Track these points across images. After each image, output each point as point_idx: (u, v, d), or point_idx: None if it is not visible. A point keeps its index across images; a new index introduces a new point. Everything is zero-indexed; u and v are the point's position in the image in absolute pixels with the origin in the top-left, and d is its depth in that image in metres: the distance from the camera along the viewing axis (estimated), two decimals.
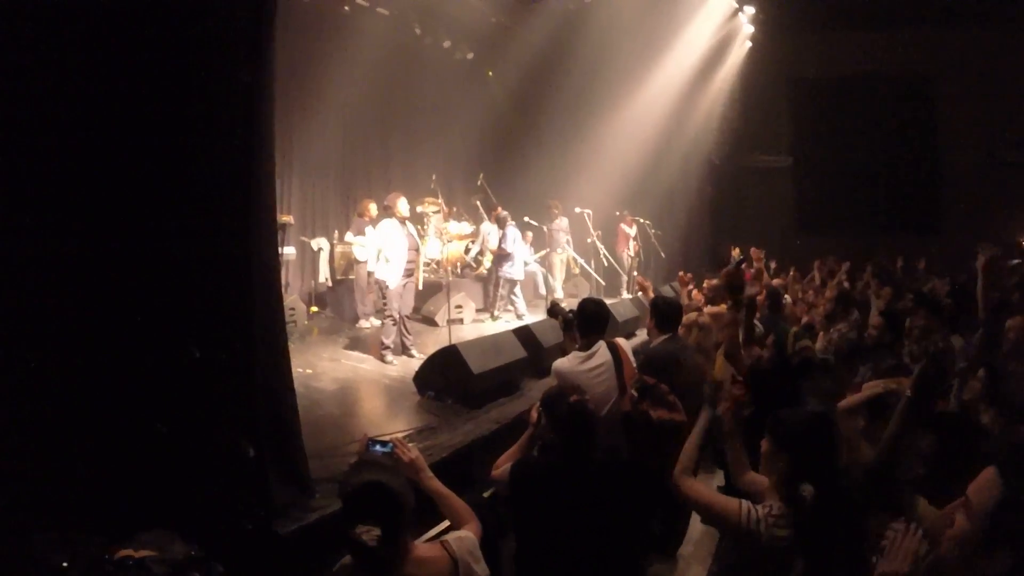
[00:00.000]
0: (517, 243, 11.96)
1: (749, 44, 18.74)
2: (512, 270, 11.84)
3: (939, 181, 20.63)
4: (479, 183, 13.86)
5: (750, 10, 16.86)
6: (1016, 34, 18.94)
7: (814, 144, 21.43)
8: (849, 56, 20.66)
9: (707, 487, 3.51)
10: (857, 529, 2.70)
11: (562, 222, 13.56)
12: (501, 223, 12.15)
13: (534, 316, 11.17)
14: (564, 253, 13.56)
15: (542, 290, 13.38)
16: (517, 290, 11.96)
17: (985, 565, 1.72)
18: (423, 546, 2.67)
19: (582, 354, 4.85)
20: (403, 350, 9.07)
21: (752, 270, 9.51)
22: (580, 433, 3.53)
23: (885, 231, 20.06)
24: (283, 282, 7.86)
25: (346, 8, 11.62)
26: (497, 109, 13.97)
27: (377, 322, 10.20)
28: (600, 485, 3.48)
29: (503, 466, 3.68)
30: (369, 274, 9.58)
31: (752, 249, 9.65)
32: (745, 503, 2.94)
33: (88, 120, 3.71)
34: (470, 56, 14.08)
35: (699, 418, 3.50)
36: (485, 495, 4.26)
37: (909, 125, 20.79)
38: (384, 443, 3.09)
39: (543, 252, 13.52)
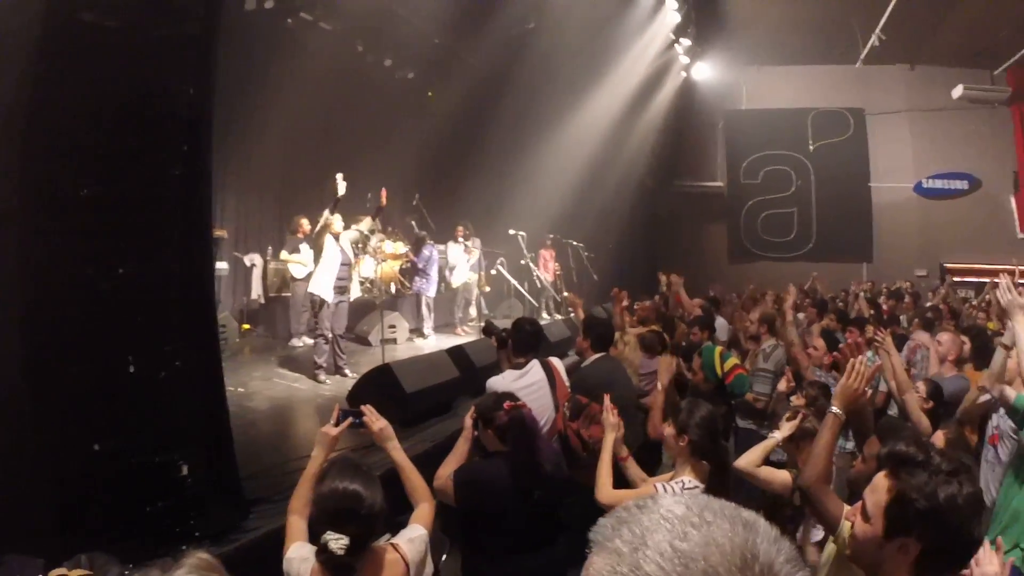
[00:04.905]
0: (432, 262, 12.32)
1: (684, 75, 19.25)
2: (425, 286, 12.18)
3: (869, 209, 21.56)
4: (415, 203, 13.86)
5: (686, 42, 17.36)
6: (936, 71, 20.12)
7: (747, 171, 22.13)
8: (783, 89, 21.57)
9: (625, 491, 3.69)
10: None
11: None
12: (419, 243, 12.44)
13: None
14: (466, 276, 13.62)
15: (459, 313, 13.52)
16: (424, 309, 12.26)
17: (889, 554, 1.91)
18: (377, 548, 2.68)
19: (516, 372, 4.90)
20: (336, 370, 9.00)
21: (673, 294, 9.81)
22: (523, 437, 3.63)
23: (817, 257, 20.86)
24: (215, 298, 7.73)
25: (289, 21, 11.51)
26: (437, 130, 13.98)
27: (310, 341, 10.05)
28: (545, 493, 3.56)
29: (444, 476, 3.69)
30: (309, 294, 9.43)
31: (672, 275, 9.93)
32: (659, 484, 3.42)
33: (32, 130, 3.66)
34: (411, 76, 14.10)
35: (606, 441, 3.85)
36: None
37: (841, 156, 21.67)
38: (356, 414, 3.25)
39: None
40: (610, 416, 3.96)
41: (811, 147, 21.86)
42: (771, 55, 20.47)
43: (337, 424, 3.19)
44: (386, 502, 2.62)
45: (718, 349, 7.03)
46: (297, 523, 2.81)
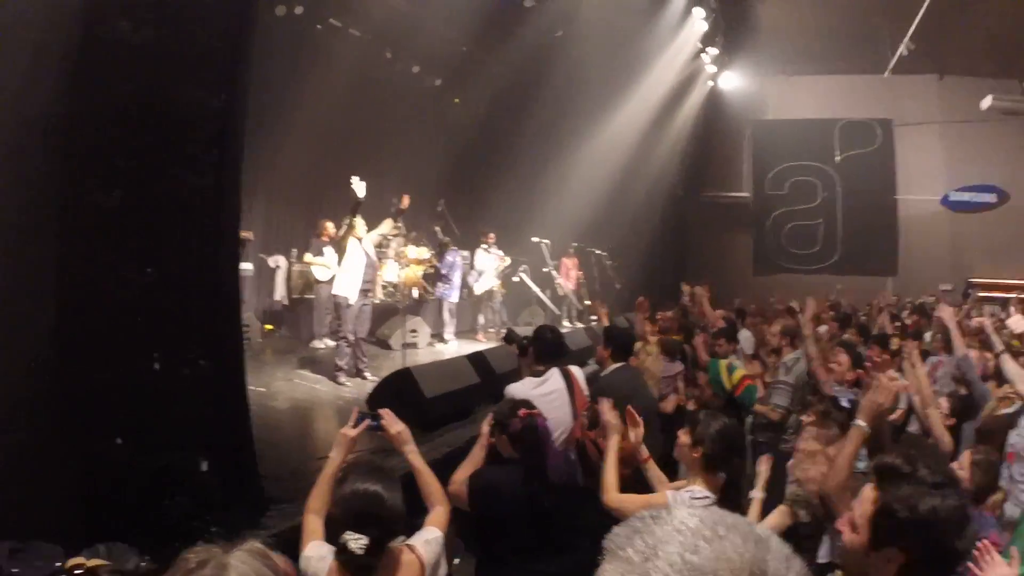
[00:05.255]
0: (455, 268, 12.37)
1: (711, 84, 19.20)
2: (447, 292, 12.22)
3: (895, 222, 21.31)
4: (439, 209, 13.94)
5: (713, 51, 17.32)
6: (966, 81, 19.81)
7: (773, 182, 21.99)
8: (810, 99, 21.40)
9: (632, 495, 3.71)
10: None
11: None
12: (443, 248, 12.53)
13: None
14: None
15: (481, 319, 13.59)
16: (446, 314, 12.34)
17: (876, 563, 1.96)
18: (394, 549, 2.72)
19: (536, 380, 4.92)
20: (357, 372, 9.06)
21: (697, 305, 9.78)
22: (534, 445, 3.66)
23: (841, 269, 20.69)
24: (240, 298, 7.82)
25: (319, 27, 11.65)
26: (463, 137, 14.10)
27: (332, 343, 10.15)
28: (556, 501, 3.58)
29: (459, 481, 3.73)
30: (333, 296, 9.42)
31: (696, 287, 9.90)
32: (670, 492, 3.43)
33: (61, 138, 3.75)
34: (438, 83, 14.21)
35: (608, 443, 3.86)
36: None
37: (868, 168, 21.44)
38: (374, 416, 3.30)
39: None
40: (611, 418, 3.98)
41: (838, 158, 21.64)
42: (798, 65, 20.38)
43: (355, 426, 3.23)
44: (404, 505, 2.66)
45: (724, 362, 7.00)
46: (314, 522, 2.86)
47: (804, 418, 4.17)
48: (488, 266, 13.18)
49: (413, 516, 3.05)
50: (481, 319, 13.49)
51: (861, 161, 21.47)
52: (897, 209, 21.39)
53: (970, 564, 2.52)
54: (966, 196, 20.74)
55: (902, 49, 17.82)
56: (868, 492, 2.04)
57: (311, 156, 12.00)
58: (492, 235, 13.34)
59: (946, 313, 6.06)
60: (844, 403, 5.15)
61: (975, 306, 14.14)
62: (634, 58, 15.13)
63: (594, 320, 14.02)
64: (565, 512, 3.67)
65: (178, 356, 3.93)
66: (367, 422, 3.27)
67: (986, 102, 19.19)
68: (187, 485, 3.88)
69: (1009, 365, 4.52)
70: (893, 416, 4.09)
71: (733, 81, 20.42)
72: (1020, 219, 19.98)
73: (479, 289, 13.27)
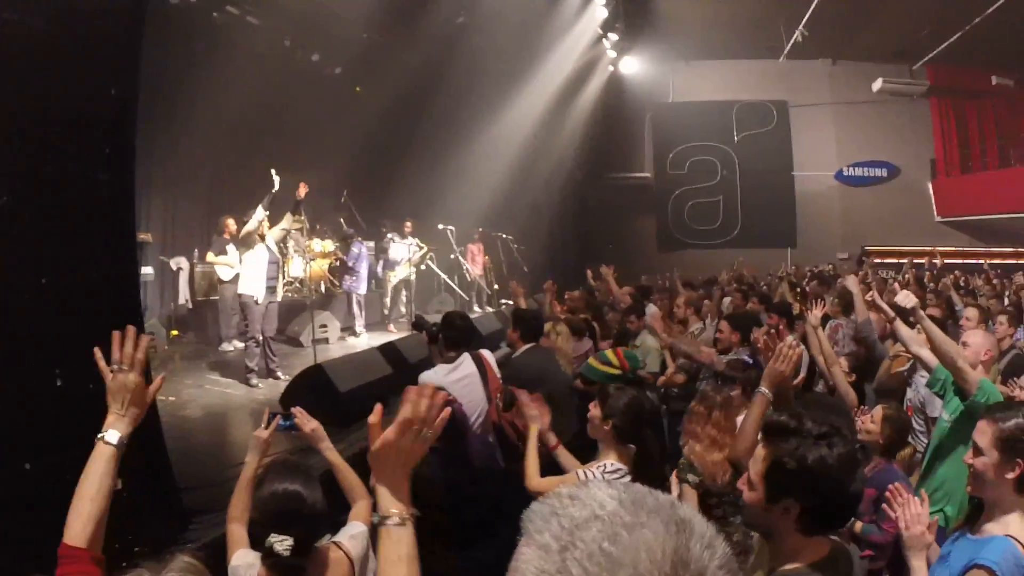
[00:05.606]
0: (361, 260, 12.13)
1: (612, 69, 19.47)
2: (355, 285, 12.00)
3: (793, 197, 22.49)
4: (343, 200, 13.72)
5: (614, 37, 17.57)
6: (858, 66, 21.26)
7: (674, 162, 22.71)
8: (708, 83, 22.28)
9: (551, 478, 3.73)
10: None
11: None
12: (348, 240, 12.29)
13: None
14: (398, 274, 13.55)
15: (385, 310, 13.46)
16: (355, 307, 12.10)
17: (776, 516, 2.07)
18: (321, 548, 2.68)
19: (448, 366, 4.93)
20: (268, 373, 8.86)
21: (604, 284, 9.98)
22: (452, 432, 3.68)
23: (742, 243, 21.61)
24: (142, 305, 7.54)
25: (215, 15, 11.20)
26: (366, 126, 13.76)
27: (241, 345, 9.82)
28: (478, 485, 3.59)
29: None
30: (238, 296, 9.09)
31: (602, 267, 10.09)
32: (580, 471, 3.52)
33: None
34: (339, 71, 13.87)
35: (530, 432, 3.87)
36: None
37: (765, 147, 22.51)
38: (286, 416, 3.26)
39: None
40: (531, 408, 4.01)
41: (736, 138, 22.53)
42: (698, 50, 21.00)
43: (268, 427, 3.19)
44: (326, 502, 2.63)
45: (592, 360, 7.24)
46: (238, 531, 2.79)
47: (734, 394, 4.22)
48: (403, 255, 13.05)
49: (337, 513, 3.03)
50: (396, 309, 13.35)
51: (758, 141, 22.50)
52: (794, 185, 22.58)
53: (885, 506, 2.78)
54: (859, 171, 22.30)
55: (797, 36, 18.80)
56: (759, 450, 2.16)
57: (210, 150, 11.62)
58: (409, 224, 13.20)
59: (850, 281, 6.53)
60: (748, 359, 5.38)
61: (869, 272, 14.87)
62: (535, 44, 15.20)
63: (504, 304, 14.13)
64: (489, 496, 3.70)
65: (80, 370, 3.77)
66: (278, 421, 3.22)
67: (877, 84, 20.90)
68: None
69: (902, 329, 4.81)
70: (795, 381, 4.31)
71: (634, 66, 20.74)
72: (909, 191, 21.79)
73: (395, 279, 13.15)
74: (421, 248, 13.24)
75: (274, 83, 12.16)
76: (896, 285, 7.97)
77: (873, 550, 3.66)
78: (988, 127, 22.31)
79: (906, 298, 4.67)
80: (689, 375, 6.61)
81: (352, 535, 2.84)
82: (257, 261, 8.65)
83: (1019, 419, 2.54)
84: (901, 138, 22.00)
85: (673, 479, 3.86)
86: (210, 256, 10.63)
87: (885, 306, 4.86)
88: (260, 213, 8.57)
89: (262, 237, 8.73)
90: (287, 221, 9.29)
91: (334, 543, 2.75)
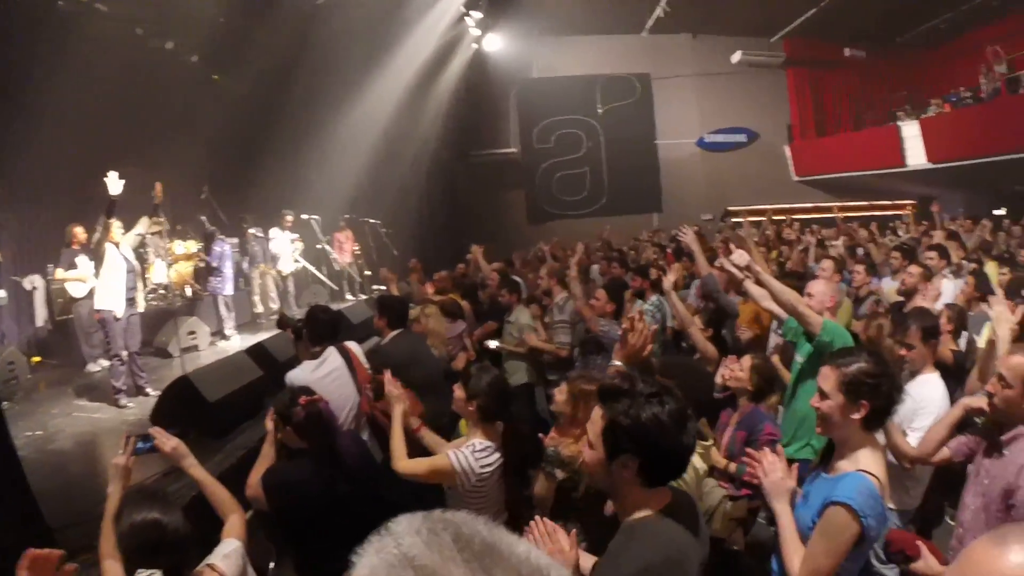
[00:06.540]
0: (225, 259, 11.66)
1: (475, 46, 19.45)
2: (220, 286, 11.52)
3: (657, 164, 23.40)
4: (204, 196, 13.10)
5: (477, 15, 17.52)
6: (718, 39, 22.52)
7: (540, 136, 23.07)
8: (573, 59, 22.71)
9: (419, 459, 3.77)
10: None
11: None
12: (210, 239, 11.77)
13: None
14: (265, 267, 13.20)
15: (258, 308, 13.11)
16: (223, 309, 11.63)
17: (616, 472, 2.21)
18: (195, 574, 2.60)
19: (314, 362, 4.86)
20: (137, 390, 8.35)
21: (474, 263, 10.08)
22: (321, 432, 3.63)
23: (610, 211, 22.34)
24: None
25: (60, 3, 10.20)
26: (225, 116, 13.03)
27: (107, 363, 8.96)
28: (354, 484, 3.55)
29: (254, 483, 3.64)
30: (96, 312, 8.37)
31: (473, 245, 10.17)
32: (450, 452, 3.58)
33: None
34: (195, 59, 13.05)
35: (394, 413, 3.93)
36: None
37: (629, 118, 23.21)
38: (146, 438, 3.14)
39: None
40: (393, 388, 4.04)
41: (600, 110, 23.07)
42: (561, 26, 21.25)
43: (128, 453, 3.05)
44: (194, 522, 2.53)
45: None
46: (112, 568, 2.66)
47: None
48: (285, 249, 12.66)
49: (216, 531, 2.95)
50: (287, 305, 13.02)
51: (622, 112, 23.15)
52: (657, 153, 23.48)
53: (749, 471, 2.95)
54: (719, 138, 23.49)
55: (659, 11, 19.59)
56: (596, 413, 2.28)
57: (58, 153, 10.68)
58: (290, 216, 12.77)
59: (688, 238, 6.64)
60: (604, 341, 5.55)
61: (728, 230, 15.55)
62: (397, 24, 14.94)
63: (376, 290, 13.98)
64: (367, 492, 3.65)
65: None
66: (135, 444, 3.07)
67: (736, 57, 22.42)
68: None
69: (752, 287, 5.07)
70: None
71: (497, 43, 20.70)
72: (768, 155, 23.32)
73: (285, 271, 12.89)
74: (298, 242, 12.91)
75: (127, 76, 11.29)
76: (732, 246, 8.31)
77: (750, 489, 3.86)
78: (841, 95, 23.97)
79: (739, 257, 4.96)
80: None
81: (226, 554, 2.76)
82: (113, 272, 8.06)
83: (861, 363, 2.72)
84: (760, 106, 23.30)
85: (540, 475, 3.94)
86: (59, 272, 9.89)
87: (733, 268, 5.08)
88: (102, 222, 7.98)
89: (117, 245, 8.15)
90: (143, 225, 8.73)
91: (208, 565, 2.67)
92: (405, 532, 0.85)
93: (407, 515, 0.90)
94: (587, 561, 2.50)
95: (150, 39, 12.02)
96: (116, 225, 8.15)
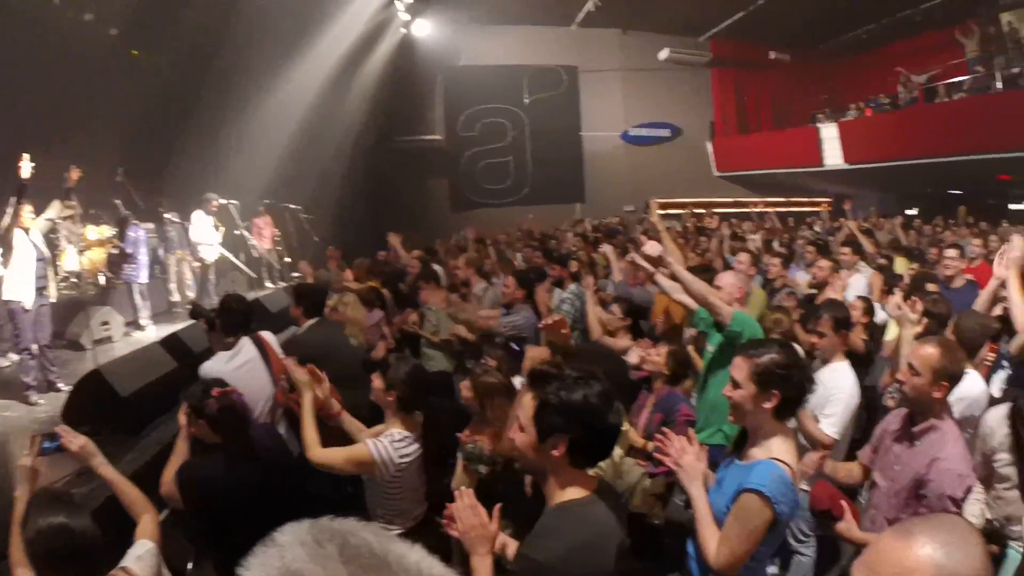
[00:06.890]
0: (140, 245, 11.24)
1: (403, 31, 19.27)
2: (134, 274, 11.08)
3: (581, 156, 23.90)
4: (119, 179, 12.58)
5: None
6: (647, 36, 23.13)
7: (465, 124, 23.18)
8: (501, 48, 22.89)
9: (335, 448, 3.73)
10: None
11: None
12: (124, 224, 11.31)
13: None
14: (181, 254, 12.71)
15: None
16: (138, 298, 11.18)
17: (547, 454, 2.30)
18: None
19: (228, 353, 4.78)
20: (49, 386, 7.94)
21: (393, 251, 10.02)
22: (235, 424, 3.58)
23: (533, 200, 22.69)
24: None
25: None
26: (142, 94, 12.42)
27: (16, 357, 8.48)
28: (270, 474, 3.52)
29: (168, 480, 3.58)
30: (3, 303, 7.95)
31: (391, 234, 10.09)
32: (369, 441, 3.60)
33: None
34: (114, 32, 12.45)
35: (303, 401, 3.85)
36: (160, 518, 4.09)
37: (554, 109, 23.62)
38: (52, 437, 3.07)
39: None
40: (300, 375, 3.95)
41: (526, 100, 23.34)
42: (492, 15, 21.41)
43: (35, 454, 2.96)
44: (108, 524, 2.47)
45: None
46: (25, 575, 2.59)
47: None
48: (209, 235, 12.31)
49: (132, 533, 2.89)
50: (205, 293, 12.49)
51: (548, 103, 23.52)
52: (582, 144, 23.97)
53: (663, 457, 3.03)
54: (644, 132, 24.16)
55: (589, 5, 19.93)
56: (527, 397, 2.38)
57: None
58: (216, 201, 12.40)
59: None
60: (515, 347, 5.65)
61: (649, 222, 15.81)
62: (324, 3, 14.72)
63: (296, 277, 13.72)
64: (284, 486, 3.62)
65: None
66: (41, 444, 2.98)
67: (663, 54, 23.19)
68: None
69: (663, 280, 5.27)
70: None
71: (426, 29, 20.67)
72: (690, 150, 24.20)
73: (209, 259, 12.44)
74: (220, 228, 12.57)
75: (41, 50, 10.73)
76: (643, 237, 8.57)
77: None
78: (764, 95, 24.96)
79: (652, 248, 5.13)
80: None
81: (139, 556, 2.72)
82: (22, 260, 7.67)
83: (772, 354, 2.83)
84: (684, 102, 24.13)
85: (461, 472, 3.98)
86: None
87: (644, 263, 5.25)
88: (12, 206, 7.58)
89: (27, 231, 7.75)
90: (54, 210, 8.34)
91: (121, 569, 2.63)
92: (290, 544, 0.87)
93: (294, 524, 0.91)
94: (510, 547, 2.57)
95: (68, 10, 11.47)
96: (26, 210, 7.76)
